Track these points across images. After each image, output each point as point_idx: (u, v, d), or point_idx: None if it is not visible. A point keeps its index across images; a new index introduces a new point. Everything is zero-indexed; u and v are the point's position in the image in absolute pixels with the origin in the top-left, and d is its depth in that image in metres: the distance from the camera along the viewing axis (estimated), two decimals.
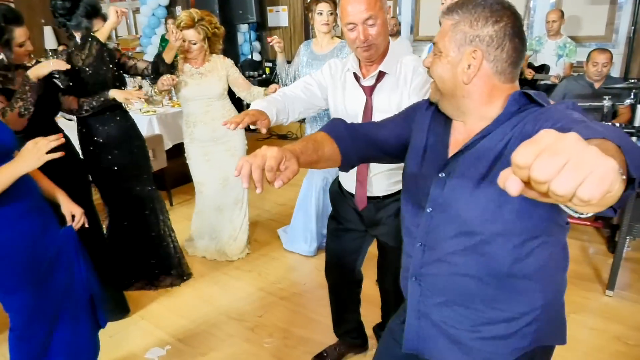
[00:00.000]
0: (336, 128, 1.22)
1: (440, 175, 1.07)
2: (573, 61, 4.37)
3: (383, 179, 1.72)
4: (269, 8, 6.84)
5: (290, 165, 0.94)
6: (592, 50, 3.61)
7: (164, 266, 2.86)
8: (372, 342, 2.28)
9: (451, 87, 1.03)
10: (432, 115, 1.17)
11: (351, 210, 1.84)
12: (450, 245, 1.05)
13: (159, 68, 2.65)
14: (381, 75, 1.61)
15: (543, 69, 4.43)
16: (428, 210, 1.10)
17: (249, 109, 1.50)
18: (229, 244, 3.15)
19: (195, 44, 2.76)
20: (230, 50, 5.79)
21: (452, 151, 1.09)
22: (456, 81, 1.01)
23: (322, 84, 1.74)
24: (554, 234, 1.02)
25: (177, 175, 4.05)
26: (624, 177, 0.57)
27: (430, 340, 1.15)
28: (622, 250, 2.60)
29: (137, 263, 2.79)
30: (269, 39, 2.91)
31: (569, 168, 0.49)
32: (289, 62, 3.09)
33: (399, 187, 1.65)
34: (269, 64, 6.58)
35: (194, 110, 2.89)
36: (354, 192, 1.77)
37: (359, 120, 1.62)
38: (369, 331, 2.28)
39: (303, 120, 3.28)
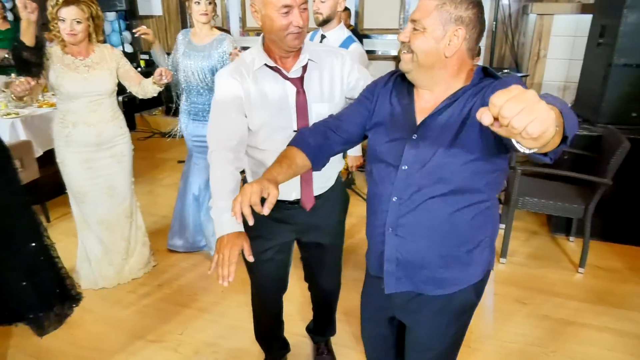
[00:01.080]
0: (301, 138, 1.39)
1: (413, 137, 1.23)
2: None
3: (321, 175, 1.62)
4: None
5: (271, 191, 1.17)
6: None
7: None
8: (302, 340, 2.25)
9: (432, 60, 1.18)
10: (392, 88, 1.34)
11: (274, 223, 1.66)
12: (428, 192, 1.21)
13: (22, 55, 2.18)
14: (306, 64, 1.51)
15: None
16: (403, 168, 1.23)
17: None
18: (128, 262, 2.82)
19: (79, 22, 2.33)
20: None
21: (419, 116, 1.24)
22: (438, 55, 1.17)
23: (238, 105, 1.49)
24: (494, 189, 1.28)
25: (52, 185, 3.53)
26: (558, 129, 0.83)
27: (408, 280, 1.32)
28: (511, 221, 2.93)
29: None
30: (134, 30, 2.65)
31: (525, 111, 0.72)
32: (168, 54, 2.87)
33: (331, 182, 1.71)
34: (145, 56, 6.06)
35: (76, 109, 2.44)
36: (289, 198, 1.63)
37: (292, 115, 1.52)
38: (297, 330, 2.25)
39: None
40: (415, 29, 1.18)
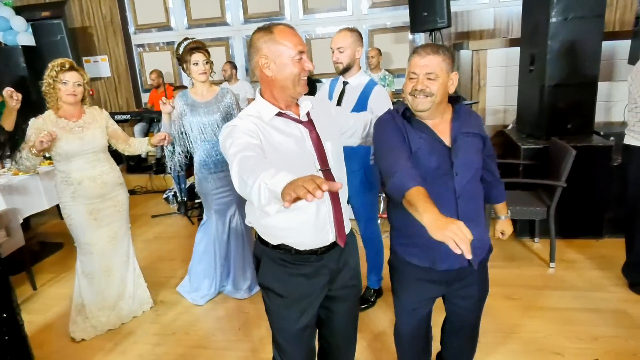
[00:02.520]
0: (411, 173, 1.52)
1: (454, 155, 1.65)
2: (393, 89, 5.24)
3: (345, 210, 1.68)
4: (84, 58, 6.31)
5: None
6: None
7: None
8: None
9: (442, 97, 1.64)
10: (404, 123, 1.68)
11: (307, 281, 1.62)
12: (473, 183, 1.69)
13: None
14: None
15: None
16: (456, 174, 1.64)
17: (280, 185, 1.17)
18: (127, 303, 2.90)
19: (79, 85, 2.54)
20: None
21: (444, 139, 1.66)
22: (445, 93, 1.64)
23: (261, 146, 1.48)
24: None
25: (35, 249, 3.44)
26: None
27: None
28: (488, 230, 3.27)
29: None
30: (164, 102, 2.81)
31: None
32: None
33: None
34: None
35: (77, 167, 2.58)
36: (326, 243, 1.61)
37: (313, 155, 1.57)
38: None
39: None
40: (429, 79, 1.61)
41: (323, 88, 2.83)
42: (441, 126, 1.67)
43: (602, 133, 3.74)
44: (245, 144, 1.41)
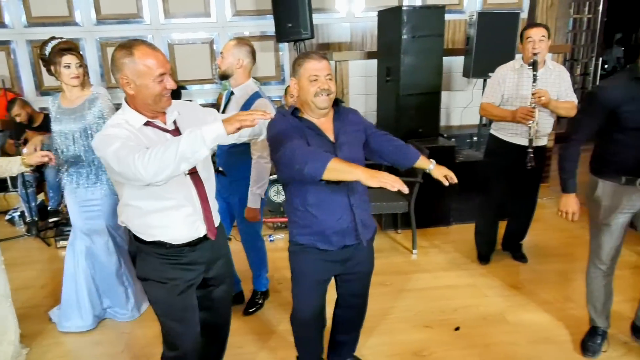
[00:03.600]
0: (324, 153, 1.70)
1: (338, 150, 1.84)
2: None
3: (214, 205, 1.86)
4: None
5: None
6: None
7: None
8: None
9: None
10: (295, 120, 1.84)
11: (183, 268, 1.78)
12: None
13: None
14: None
15: None
16: None
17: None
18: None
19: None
20: None
21: (329, 135, 1.86)
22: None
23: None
24: None
25: None
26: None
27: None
28: None
29: None
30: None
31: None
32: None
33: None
34: None
35: None
36: (200, 234, 1.77)
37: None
38: None
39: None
40: (329, 79, 1.82)
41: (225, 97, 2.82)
42: (326, 124, 1.88)
43: (445, 135, 4.37)
44: (131, 147, 1.51)
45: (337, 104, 1.93)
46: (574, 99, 3.06)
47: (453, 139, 4.23)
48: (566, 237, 3.96)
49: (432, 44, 3.92)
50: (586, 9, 7.05)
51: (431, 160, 2.16)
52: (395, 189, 1.52)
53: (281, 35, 4.73)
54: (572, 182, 2.29)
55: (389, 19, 4.05)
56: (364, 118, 2.05)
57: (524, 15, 5.61)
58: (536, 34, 2.91)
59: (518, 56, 3.18)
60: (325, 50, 5.35)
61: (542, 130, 3.08)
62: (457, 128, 4.78)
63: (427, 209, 4.13)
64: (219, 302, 1.99)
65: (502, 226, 3.60)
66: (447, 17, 4.92)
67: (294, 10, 4.42)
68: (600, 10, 7.06)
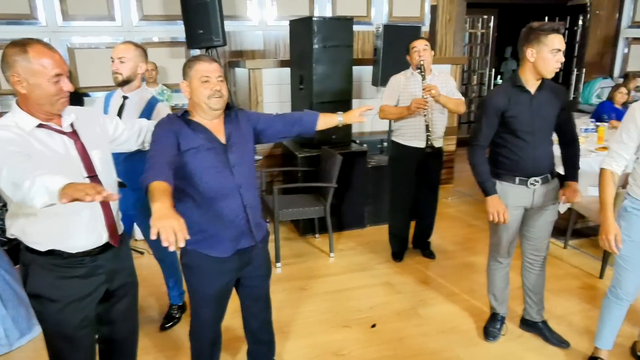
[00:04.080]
0: (159, 170, 1.60)
1: (229, 151, 1.86)
2: (172, 104, 5.20)
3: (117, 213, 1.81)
4: None
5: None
6: None
7: None
8: None
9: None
10: (185, 124, 1.82)
11: (81, 281, 1.68)
12: (249, 173, 1.93)
13: None
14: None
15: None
16: (234, 167, 1.85)
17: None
18: None
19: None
20: None
21: (220, 138, 1.86)
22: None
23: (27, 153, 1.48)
24: None
25: None
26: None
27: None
28: (278, 232, 3.61)
29: None
30: None
31: None
32: None
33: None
34: None
35: None
36: (101, 242, 1.71)
37: (72, 166, 1.60)
38: None
39: None
40: (221, 81, 1.82)
41: (98, 101, 2.69)
42: (217, 126, 1.89)
43: (357, 141, 4.54)
44: (9, 152, 1.41)
45: (228, 107, 1.93)
46: (460, 96, 3.38)
47: (365, 145, 4.41)
48: (468, 233, 4.29)
49: (342, 53, 4.07)
50: (480, 24, 7.73)
51: (337, 113, 2.14)
52: (164, 244, 1.31)
53: (192, 41, 4.63)
54: (489, 184, 2.39)
55: (300, 28, 4.14)
56: (250, 111, 2.10)
57: (425, 28, 6.03)
58: (420, 44, 3.29)
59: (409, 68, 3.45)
60: (239, 57, 5.33)
61: (436, 131, 3.36)
62: (368, 134, 4.99)
63: (343, 212, 4.26)
64: (122, 315, 1.90)
65: (414, 226, 3.83)
66: (356, 28, 5.14)
67: (204, 16, 4.36)
68: (492, 27, 7.78)
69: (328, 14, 5.54)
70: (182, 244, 1.33)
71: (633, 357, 2.51)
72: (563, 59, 2.22)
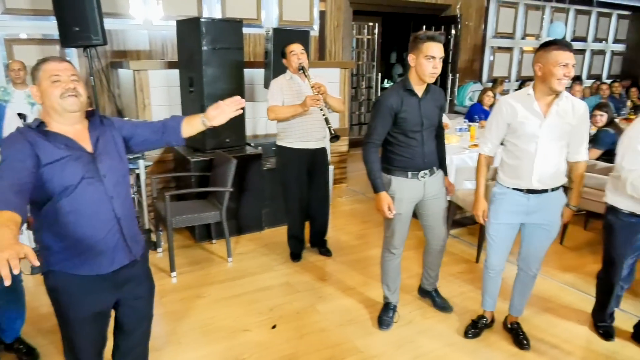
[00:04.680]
0: (4, 201, 1.36)
1: (98, 160, 1.70)
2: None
3: None
4: None
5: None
6: None
7: None
8: None
9: (86, 100, 1.69)
10: (41, 135, 1.62)
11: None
12: (122, 182, 1.77)
13: None
14: None
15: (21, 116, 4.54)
16: (104, 176, 1.69)
17: None
18: None
19: None
20: None
21: (86, 146, 1.69)
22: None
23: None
24: None
25: None
26: None
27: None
28: (172, 241, 3.46)
29: None
30: None
31: None
32: None
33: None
34: None
35: None
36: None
37: None
38: None
39: None
40: (75, 80, 1.65)
41: None
42: (81, 134, 1.71)
43: (252, 144, 4.53)
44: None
45: (92, 114, 1.78)
46: (339, 97, 3.55)
47: (260, 147, 4.41)
48: (362, 229, 4.50)
49: (232, 56, 4.03)
50: (365, 31, 8.13)
51: (201, 115, 1.93)
52: (6, 276, 1.12)
53: (66, 39, 4.24)
54: (379, 181, 2.55)
55: (188, 29, 4.01)
56: (115, 118, 1.93)
57: (315, 33, 6.20)
58: (298, 47, 3.41)
59: (287, 71, 3.51)
60: (122, 58, 5.02)
61: (317, 132, 3.49)
62: (263, 137, 4.99)
63: (240, 216, 4.22)
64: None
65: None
66: (247, 30, 5.12)
67: (80, 12, 4.02)
68: (377, 33, 8.23)
69: (217, 15, 5.45)
70: (16, 272, 1.13)
71: (505, 330, 2.83)
72: (439, 65, 2.43)
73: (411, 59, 2.45)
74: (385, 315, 2.92)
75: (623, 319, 2.91)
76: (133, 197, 4.09)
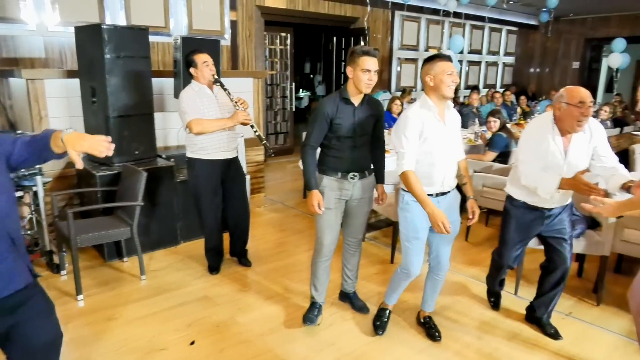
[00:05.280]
0: None
1: None
2: None
3: None
4: None
5: None
6: None
7: None
8: None
9: None
10: None
11: None
12: (6, 202, 1.60)
13: None
14: None
15: None
16: None
17: None
18: None
19: None
20: None
21: None
22: None
23: None
24: None
25: None
26: None
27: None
28: (77, 262, 3.22)
29: None
30: None
31: None
32: None
33: None
34: None
35: None
36: None
37: None
38: None
39: None
40: None
41: None
42: None
43: (164, 156, 4.36)
44: None
45: None
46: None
47: (172, 159, 4.26)
48: (282, 237, 4.51)
49: (138, 64, 3.86)
50: (278, 41, 8.20)
51: (63, 130, 1.65)
52: None
53: None
54: (312, 180, 2.69)
55: (88, 36, 3.78)
56: (2, 134, 1.75)
57: (226, 42, 6.15)
58: (209, 58, 3.38)
59: (193, 82, 3.42)
60: (14, 66, 4.60)
61: (232, 143, 3.50)
62: (175, 148, 4.83)
63: (154, 231, 4.04)
64: None
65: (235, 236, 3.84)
66: (155, 39, 4.97)
67: None
68: (289, 43, 8.34)
69: (121, 22, 5.20)
70: None
71: (418, 324, 2.99)
72: (374, 77, 2.59)
73: (349, 71, 2.61)
74: (310, 314, 2.99)
75: (520, 305, 3.20)
76: (31, 217, 3.77)
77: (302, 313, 3.01)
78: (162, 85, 4.66)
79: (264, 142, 3.40)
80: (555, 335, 2.90)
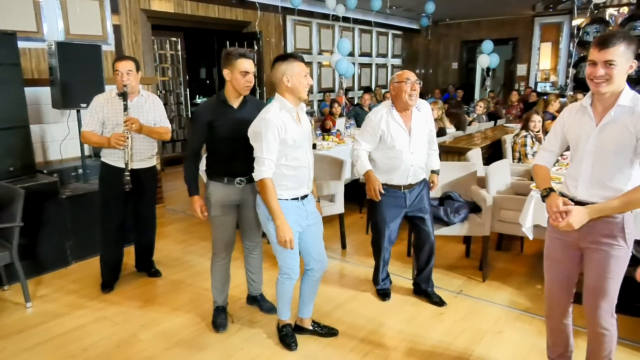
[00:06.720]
0: None
1: None
2: None
3: None
4: None
5: None
6: None
7: None
8: None
9: None
10: None
11: None
12: None
13: None
14: None
15: None
16: None
17: None
18: None
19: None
20: None
21: None
22: None
23: None
24: None
25: None
26: None
27: None
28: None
29: None
30: None
31: None
32: None
33: None
34: None
35: None
36: None
37: None
38: None
39: None
40: None
41: None
42: None
43: (45, 171, 4.01)
44: None
45: None
46: (167, 124, 3.45)
47: (55, 174, 3.93)
48: (184, 247, 4.38)
49: (7, 73, 3.51)
50: (168, 46, 7.93)
51: None
52: None
53: None
54: (192, 186, 2.70)
55: None
56: None
57: (111, 48, 5.80)
58: (124, 67, 3.18)
59: (112, 87, 3.34)
60: None
61: (142, 153, 3.34)
62: (58, 162, 4.46)
63: (39, 253, 3.70)
64: None
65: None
66: (26, 44, 4.55)
67: None
68: (180, 48, 8.10)
69: None
70: None
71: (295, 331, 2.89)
72: (252, 79, 2.62)
73: (226, 73, 2.59)
74: (219, 318, 2.96)
75: (404, 283, 3.44)
76: None
77: (208, 321, 2.95)
78: (39, 94, 4.30)
79: (125, 172, 3.19)
80: (440, 302, 3.26)
